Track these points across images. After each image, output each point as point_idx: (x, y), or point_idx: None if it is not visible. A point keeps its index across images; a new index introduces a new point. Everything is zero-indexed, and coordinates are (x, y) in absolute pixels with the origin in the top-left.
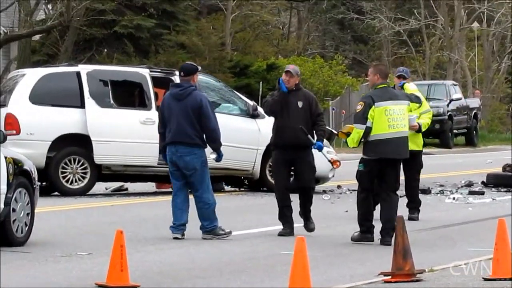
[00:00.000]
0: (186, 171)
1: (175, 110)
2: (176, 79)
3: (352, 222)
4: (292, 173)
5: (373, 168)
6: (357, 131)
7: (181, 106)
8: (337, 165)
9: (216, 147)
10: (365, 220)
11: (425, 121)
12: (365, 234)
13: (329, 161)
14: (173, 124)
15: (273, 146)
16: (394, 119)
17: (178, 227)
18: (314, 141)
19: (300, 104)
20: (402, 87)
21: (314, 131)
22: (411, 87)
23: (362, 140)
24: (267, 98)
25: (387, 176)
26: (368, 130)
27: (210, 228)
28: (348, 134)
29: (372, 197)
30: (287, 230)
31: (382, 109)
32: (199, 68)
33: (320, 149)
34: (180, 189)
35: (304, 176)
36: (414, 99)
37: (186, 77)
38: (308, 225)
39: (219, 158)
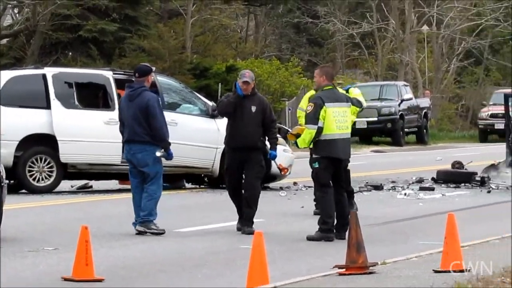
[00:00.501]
0: (139, 167)
1: (128, 110)
2: None
3: (309, 217)
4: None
5: (328, 165)
6: (309, 131)
7: (132, 106)
8: (285, 171)
9: (164, 146)
10: (327, 217)
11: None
12: (326, 233)
13: (278, 167)
14: (127, 123)
15: (226, 147)
16: (340, 120)
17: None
18: (268, 149)
19: (253, 108)
20: (347, 90)
21: (268, 139)
22: (355, 92)
23: (313, 140)
24: (222, 99)
25: (338, 175)
26: (320, 130)
27: (144, 219)
28: (297, 136)
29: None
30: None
31: (331, 110)
32: (153, 69)
33: (273, 158)
34: (138, 186)
35: (250, 179)
36: (356, 103)
37: (140, 78)
38: (245, 229)
39: (168, 156)
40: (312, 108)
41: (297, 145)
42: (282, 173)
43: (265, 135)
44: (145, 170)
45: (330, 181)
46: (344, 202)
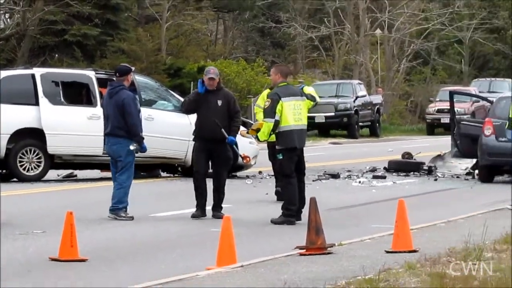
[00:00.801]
0: (114, 158)
1: (108, 106)
2: None
3: (272, 203)
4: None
5: (292, 156)
6: (268, 124)
7: (111, 103)
8: (247, 160)
9: (137, 140)
10: (290, 204)
11: None
12: (288, 217)
13: (240, 156)
14: (107, 118)
15: (195, 137)
16: (295, 113)
17: None
18: (227, 135)
19: (219, 102)
20: (302, 89)
21: (230, 126)
22: (309, 89)
23: (272, 133)
24: (185, 98)
25: (298, 163)
26: (276, 123)
27: (114, 207)
28: (258, 131)
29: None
30: (198, 212)
31: (287, 104)
32: (132, 69)
33: (232, 143)
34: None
35: (217, 168)
36: (310, 97)
37: (120, 77)
38: (215, 214)
39: (141, 149)
40: (269, 103)
41: (258, 139)
42: (244, 161)
43: (229, 124)
44: (118, 161)
45: (293, 171)
46: (302, 187)
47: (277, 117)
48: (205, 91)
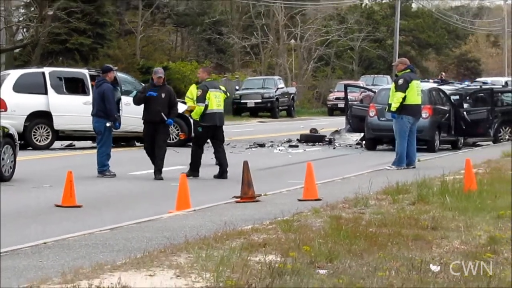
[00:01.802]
0: (96, 132)
1: (94, 94)
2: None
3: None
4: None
5: (208, 131)
6: (200, 108)
7: (96, 92)
8: (182, 136)
9: (112, 120)
10: (196, 164)
11: None
12: (193, 172)
13: (178, 134)
14: (93, 104)
15: (144, 121)
16: (217, 100)
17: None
18: (166, 119)
19: (163, 95)
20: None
21: (169, 113)
22: (223, 87)
23: (202, 114)
24: (136, 96)
25: (217, 135)
26: (206, 107)
27: (100, 170)
28: (191, 111)
29: None
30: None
31: (213, 93)
32: (115, 68)
33: (170, 124)
34: None
35: (158, 143)
36: (224, 92)
37: (103, 74)
38: (156, 177)
39: (116, 126)
40: (201, 92)
41: (191, 117)
42: (181, 138)
43: (169, 111)
44: (99, 135)
45: (205, 143)
46: (222, 153)
47: (206, 102)
48: (152, 88)
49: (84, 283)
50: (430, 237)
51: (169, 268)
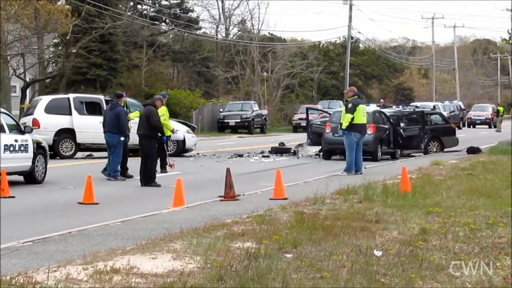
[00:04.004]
0: (110, 145)
1: (108, 115)
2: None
3: (204, 172)
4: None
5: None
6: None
7: (110, 113)
8: (172, 166)
9: (124, 135)
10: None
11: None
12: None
13: (170, 165)
14: (107, 122)
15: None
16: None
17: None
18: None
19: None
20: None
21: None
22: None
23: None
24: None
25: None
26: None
27: (113, 175)
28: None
29: None
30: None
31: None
32: (124, 94)
33: (164, 141)
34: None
35: (143, 152)
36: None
37: (117, 99)
38: (149, 184)
39: (126, 141)
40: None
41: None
42: (172, 168)
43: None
44: (112, 148)
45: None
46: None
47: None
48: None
49: (100, 264)
50: (374, 229)
51: (168, 252)
